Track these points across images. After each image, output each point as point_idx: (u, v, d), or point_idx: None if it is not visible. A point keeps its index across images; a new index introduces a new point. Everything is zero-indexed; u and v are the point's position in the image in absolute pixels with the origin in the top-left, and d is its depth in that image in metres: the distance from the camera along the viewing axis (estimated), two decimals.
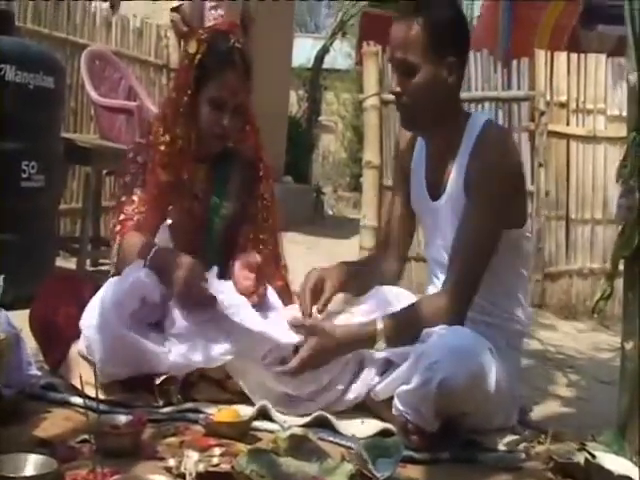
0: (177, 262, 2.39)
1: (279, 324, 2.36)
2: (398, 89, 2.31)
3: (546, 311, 4.99)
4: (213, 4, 5.92)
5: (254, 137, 2.76)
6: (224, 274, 2.54)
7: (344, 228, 7.51)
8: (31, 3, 5.22)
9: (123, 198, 2.62)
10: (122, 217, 2.59)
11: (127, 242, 2.54)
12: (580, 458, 2.02)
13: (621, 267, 2.28)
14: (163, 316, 2.44)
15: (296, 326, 2.31)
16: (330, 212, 13.26)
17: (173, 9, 5.81)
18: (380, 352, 2.27)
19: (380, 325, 2.22)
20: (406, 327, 2.24)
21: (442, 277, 2.38)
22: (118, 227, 2.59)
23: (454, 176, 2.33)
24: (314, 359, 2.25)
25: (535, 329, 4.08)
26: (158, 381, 2.31)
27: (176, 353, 2.33)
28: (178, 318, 2.40)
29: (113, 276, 2.50)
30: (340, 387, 2.33)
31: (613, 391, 2.30)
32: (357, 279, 2.52)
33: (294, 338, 2.31)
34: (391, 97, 5.03)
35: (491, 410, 2.21)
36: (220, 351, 2.33)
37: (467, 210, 2.28)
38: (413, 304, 2.33)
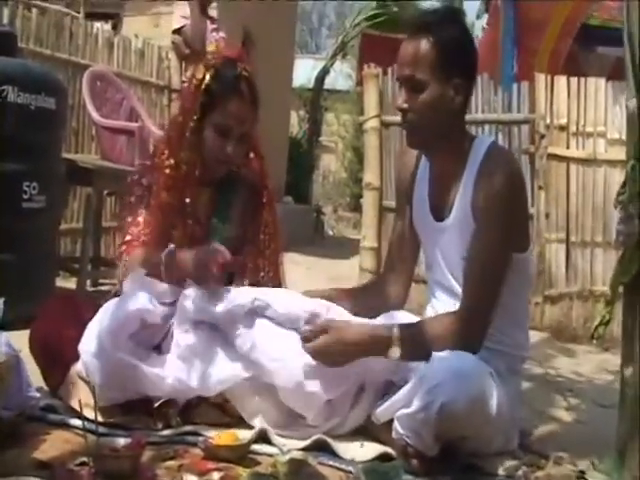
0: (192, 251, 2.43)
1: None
2: (405, 105, 2.32)
3: (546, 334, 4.98)
4: (215, 26, 5.97)
5: (259, 164, 2.76)
6: None
7: (344, 248, 7.52)
8: (34, 24, 5.25)
9: (129, 219, 2.62)
10: (128, 238, 2.60)
11: (132, 259, 2.54)
12: None
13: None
14: (164, 337, 2.44)
15: (309, 326, 2.29)
16: (330, 232, 13.25)
17: (175, 31, 5.86)
18: (379, 374, 2.26)
19: (396, 330, 2.21)
20: (421, 339, 2.22)
21: (442, 297, 2.40)
22: (124, 247, 2.59)
23: (460, 198, 2.34)
24: (327, 354, 2.23)
25: (534, 352, 4.07)
26: (157, 404, 2.31)
27: (174, 378, 2.32)
28: (178, 339, 2.40)
29: (117, 295, 2.50)
30: (341, 412, 2.33)
31: (613, 415, 2.29)
32: (352, 300, 2.51)
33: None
34: (391, 119, 5.13)
35: (491, 434, 2.21)
36: (218, 378, 2.32)
37: (477, 234, 2.28)
38: (428, 319, 2.34)
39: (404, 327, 2.24)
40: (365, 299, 2.56)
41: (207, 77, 2.57)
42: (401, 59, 2.33)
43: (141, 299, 2.38)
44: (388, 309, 2.47)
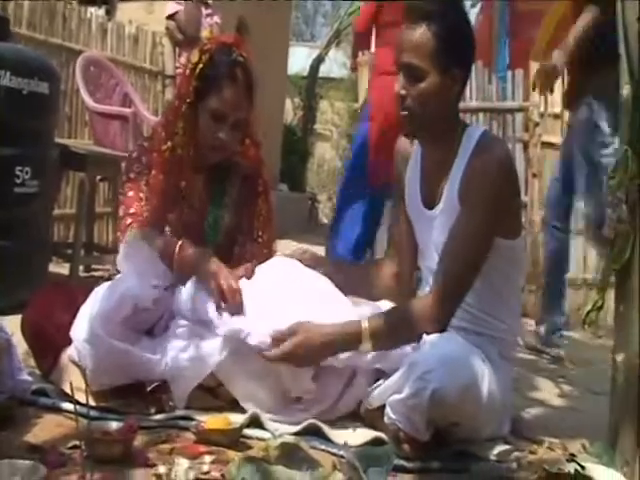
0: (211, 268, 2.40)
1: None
2: (403, 92, 2.31)
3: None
4: (209, 12, 5.95)
5: (255, 151, 2.75)
6: None
7: None
8: (27, 9, 5.22)
9: (130, 193, 2.60)
10: (132, 211, 2.57)
11: (140, 233, 2.52)
12: (571, 469, 2.01)
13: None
14: (156, 321, 2.44)
15: (276, 336, 2.27)
16: (325, 220, 13.26)
17: (169, 17, 5.84)
18: (370, 362, 2.27)
19: (365, 324, 2.22)
20: (391, 328, 2.24)
21: None
22: (129, 220, 2.56)
23: (450, 186, 2.33)
24: (297, 356, 2.23)
25: (528, 339, 4.08)
26: (149, 388, 2.31)
27: (168, 358, 2.32)
28: (173, 324, 2.40)
29: (110, 279, 2.49)
30: (332, 396, 2.33)
31: (605, 401, 2.30)
32: (345, 273, 2.53)
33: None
34: None
35: (483, 420, 2.21)
36: (213, 348, 2.32)
37: (460, 217, 2.27)
38: (399, 306, 2.34)
39: (374, 319, 2.25)
40: (362, 276, 2.56)
41: (202, 62, 2.55)
42: (401, 46, 2.31)
43: (133, 283, 2.37)
44: (391, 295, 2.51)
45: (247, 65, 2.59)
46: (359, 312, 2.36)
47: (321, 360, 2.28)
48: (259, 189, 2.75)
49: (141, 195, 2.59)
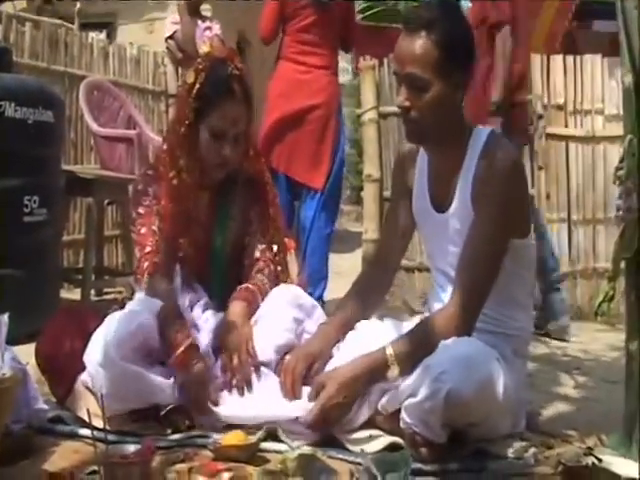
0: (192, 370, 2.34)
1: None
2: (407, 103, 2.28)
3: None
4: (207, 25, 5.96)
5: (258, 161, 2.76)
6: (227, 299, 2.58)
7: (347, 242, 7.46)
8: (28, 38, 5.26)
9: (143, 230, 2.60)
10: (147, 250, 2.58)
11: (154, 289, 2.52)
12: (588, 462, 2.01)
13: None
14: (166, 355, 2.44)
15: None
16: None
17: (168, 37, 5.87)
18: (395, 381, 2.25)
19: (390, 350, 2.21)
20: (417, 347, 2.22)
21: (448, 289, 2.36)
22: (145, 264, 2.57)
23: (461, 189, 2.33)
24: (334, 407, 2.23)
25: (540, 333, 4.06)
26: (164, 411, 2.31)
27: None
28: None
29: (122, 306, 2.51)
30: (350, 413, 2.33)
31: (621, 391, 2.29)
32: (347, 327, 2.52)
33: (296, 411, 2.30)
34: (389, 110, 5.11)
35: (499, 418, 2.21)
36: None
37: (475, 222, 2.27)
38: (421, 323, 2.33)
39: (397, 343, 2.24)
40: (359, 308, 2.56)
41: (198, 81, 2.55)
42: (402, 56, 2.27)
43: (145, 316, 2.38)
44: (377, 298, 2.59)
45: (243, 77, 2.59)
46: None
47: (355, 400, 2.25)
48: (265, 195, 2.75)
49: (154, 228, 2.60)
